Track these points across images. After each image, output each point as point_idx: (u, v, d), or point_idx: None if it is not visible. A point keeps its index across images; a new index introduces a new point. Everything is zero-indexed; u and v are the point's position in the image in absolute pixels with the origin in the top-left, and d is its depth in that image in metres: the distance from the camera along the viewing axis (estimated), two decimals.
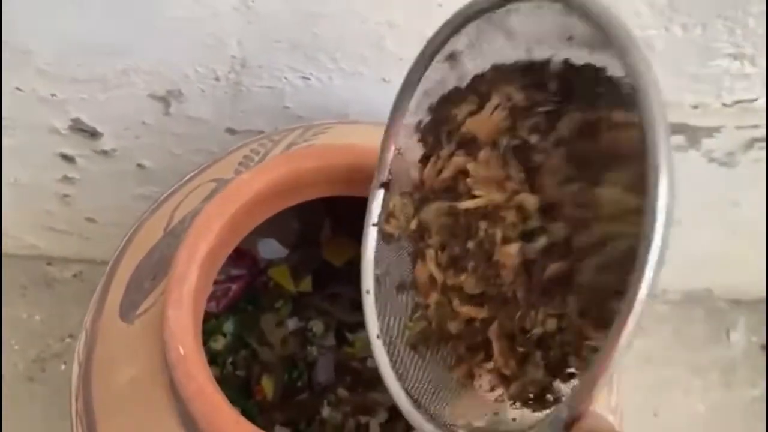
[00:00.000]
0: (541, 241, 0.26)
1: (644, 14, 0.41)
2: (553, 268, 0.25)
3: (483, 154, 0.28)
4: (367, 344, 0.51)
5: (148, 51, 0.46)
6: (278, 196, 0.33)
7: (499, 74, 0.28)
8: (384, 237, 0.32)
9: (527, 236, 0.26)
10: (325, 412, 0.47)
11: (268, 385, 0.48)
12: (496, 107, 0.28)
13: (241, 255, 0.49)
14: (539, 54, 0.27)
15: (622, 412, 0.40)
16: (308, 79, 0.48)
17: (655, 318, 0.78)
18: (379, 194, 0.33)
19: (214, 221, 0.31)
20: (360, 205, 0.34)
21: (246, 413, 0.47)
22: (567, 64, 0.26)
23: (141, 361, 0.33)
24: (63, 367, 0.73)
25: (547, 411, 0.26)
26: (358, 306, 0.52)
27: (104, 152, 0.57)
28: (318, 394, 0.48)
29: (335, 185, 0.35)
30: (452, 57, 0.30)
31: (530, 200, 0.26)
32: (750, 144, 0.52)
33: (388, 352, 0.32)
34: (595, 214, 0.25)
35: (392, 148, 0.32)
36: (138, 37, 0.45)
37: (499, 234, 0.27)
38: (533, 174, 0.27)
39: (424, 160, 0.31)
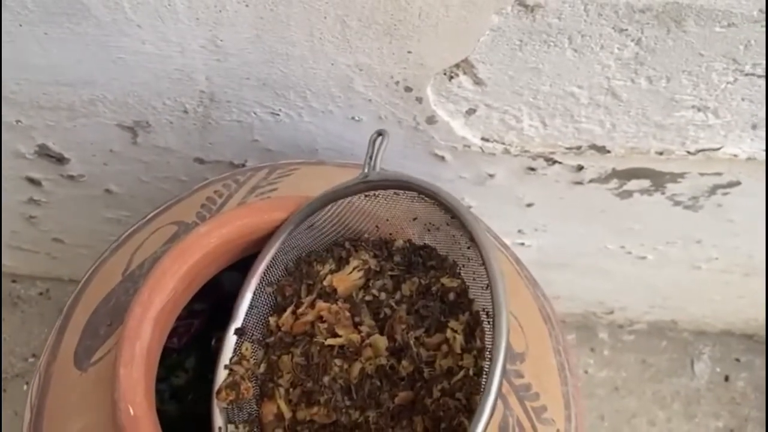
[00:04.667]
0: (391, 374, 0.32)
1: (612, 66, 0.42)
2: (402, 396, 0.32)
3: (340, 304, 0.34)
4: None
5: (114, 83, 0.46)
6: (235, 248, 0.33)
7: (356, 245, 0.36)
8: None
9: (379, 371, 0.33)
10: None
11: None
12: (354, 268, 0.35)
13: (204, 290, 0.48)
14: (386, 230, 0.36)
15: None
16: (277, 114, 0.48)
17: (621, 348, 0.79)
18: (233, 339, 0.36)
19: (168, 276, 0.30)
20: None
21: None
22: (409, 243, 0.35)
23: (92, 413, 0.32)
24: (25, 387, 0.72)
25: None
26: None
27: (71, 177, 0.57)
28: None
29: None
30: (312, 227, 0.36)
31: (380, 341, 0.33)
32: (713, 190, 0.52)
33: None
34: (435, 353, 0.32)
35: (248, 301, 0.37)
36: (103, 71, 0.44)
37: (355, 368, 0.33)
38: (383, 321, 0.34)
39: (280, 310, 0.36)
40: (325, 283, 0.35)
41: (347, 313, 0.34)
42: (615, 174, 0.51)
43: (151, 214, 0.41)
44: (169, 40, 0.42)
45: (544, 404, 0.37)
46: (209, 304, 0.49)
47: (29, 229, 0.66)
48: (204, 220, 0.37)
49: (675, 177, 0.51)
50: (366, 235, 0.36)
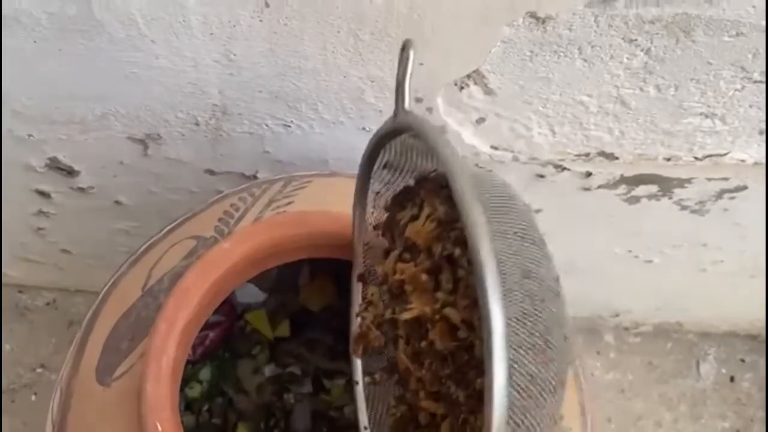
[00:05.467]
0: (472, 352, 0.26)
1: (621, 75, 0.42)
2: (480, 382, 0.26)
3: (420, 260, 0.29)
4: (344, 392, 0.51)
5: (127, 98, 0.46)
6: (256, 263, 0.34)
7: (426, 185, 0.29)
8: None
9: (460, 346, 0.27)
10: None
11: None
12: (428, 216, 0.29)
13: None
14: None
15: None
16: (289, 126, 0.48)
17: (627, 350, 0.79)
18: (359, 286, 0.34)
19: (192, 292, 0.31)
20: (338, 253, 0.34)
21: None
22: None
23: (116, 427, 0.32)
24: (33, 398, 0.72)
25: None
26: (335, 353, 0.53)
27: (81, 189, 0.57)
28: None
29: (313, 250, 0.35)
30: (387, 165, 0.31)
31: (454, 314, 0.27)
32: (720, 194, 0.53)
33: None
34: None
35: (361, 243, 0.33)
36: (116, 86, 0.45)
37: (437, 341, 0.27)
38: (458, 286, 0.27)
39: (386, 254, 0.32)
40: (406, 234, 0.30)
41: (423, 276, 0.28)
42: (623, 180, 0.52)
43: (167, 228, 0.42)
44: (183, 55, 0.42)
45: (561, 413, 0.38)
46: (224, 317, 0.49)
47: (37, 241, 0.66)
48: (222, 234, 0.37)
49: (682, 182, 0.52)
50: (433, 174, 0.29)
